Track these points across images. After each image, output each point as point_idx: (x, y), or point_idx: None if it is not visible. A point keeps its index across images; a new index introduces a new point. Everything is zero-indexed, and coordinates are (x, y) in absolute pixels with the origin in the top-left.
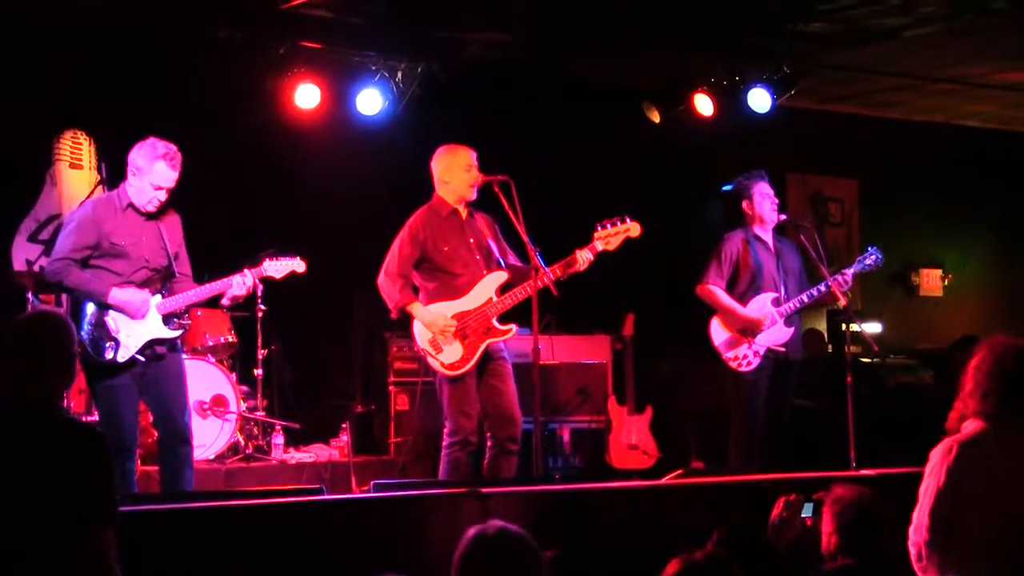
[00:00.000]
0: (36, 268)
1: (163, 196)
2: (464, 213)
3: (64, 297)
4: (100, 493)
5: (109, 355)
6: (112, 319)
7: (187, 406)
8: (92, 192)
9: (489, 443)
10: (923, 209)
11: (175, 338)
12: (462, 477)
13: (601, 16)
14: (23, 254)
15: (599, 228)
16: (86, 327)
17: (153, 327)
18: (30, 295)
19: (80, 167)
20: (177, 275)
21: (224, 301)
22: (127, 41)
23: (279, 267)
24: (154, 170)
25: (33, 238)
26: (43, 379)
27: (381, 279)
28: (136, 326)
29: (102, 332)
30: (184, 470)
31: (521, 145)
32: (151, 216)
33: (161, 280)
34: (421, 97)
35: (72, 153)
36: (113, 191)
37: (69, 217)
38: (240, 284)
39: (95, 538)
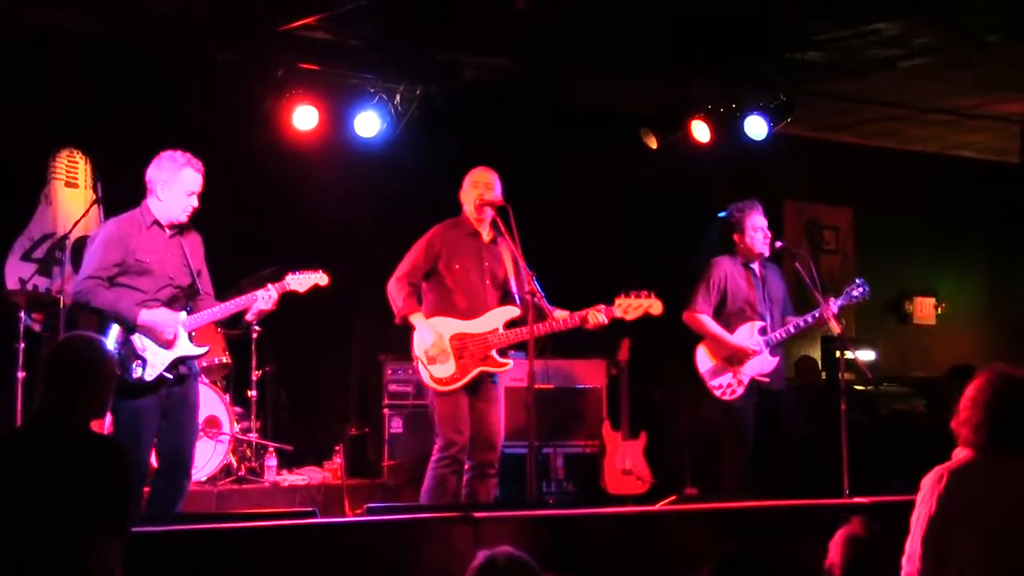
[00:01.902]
0: (30, 287)
1: (195, 202)
2: (487, 237)
3: (62, 317)
4: (112, 504)
5: (136, 374)
6: (138, 338)
7: (195, 440)
8: (88, 211)
9: (467, 465)
10: (917, 237)
11: (200, 356)
12: (448, 497)
13: (600, 42)
14: (16, 272)
15: (622, 295)
16: (112, 346)
17: (181, 345)
18: (23, 314)
19: (76, 186)
20: (201, 293)
21: (249, 316)
22: (126, 62)
23: (302, 281)
24: (182, 178)
25: (27, 257)
26: (68, 397)
27: (390, 282)
28: (162, 348)
29: (128, 351)
30: (178, 502)
31: (518, 169)
32: (174, 234)
33: (185, 298)
34: (419, 120)
35: (68, 172)
36: (135, 209)
37: (92, 236)
38: (265, 299)
39: (102, 549)
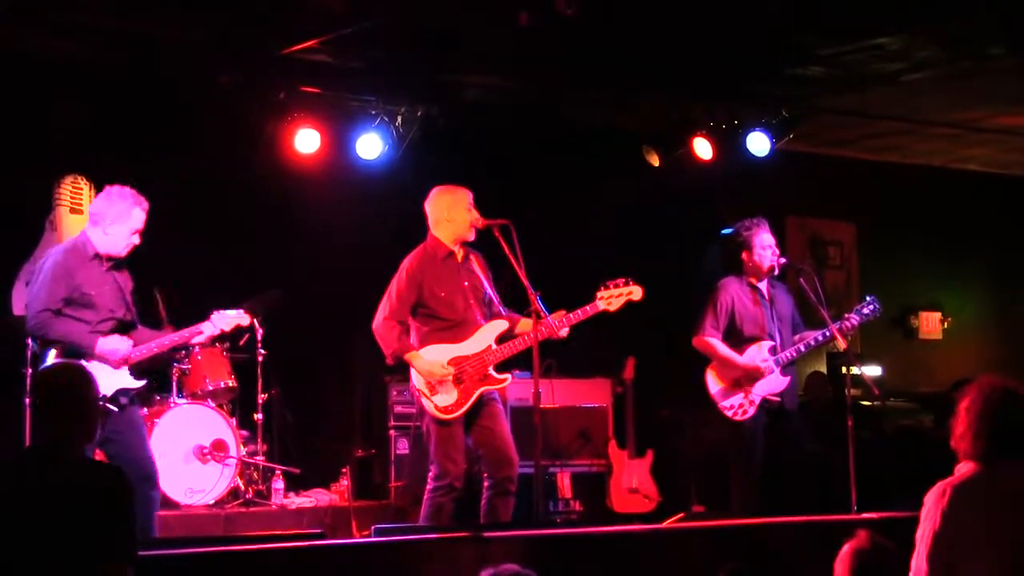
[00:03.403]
0: None
1: (138, 240)
2: (460, 255)
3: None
4: (117, 531)
5: None
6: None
7: (152, 452)
8: None
9: (486, 484)
10: (922, 252)
11: (139, 388)
12: (444, 523)
13: (601, 61)
14: (23, 299)
15: (602, 287)
16: None
17: (121, 378)
18: (30, 340)
19: (80, 212)
20: (137, 326)
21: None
22: (128, 86)
23: (228, 320)
24: (133, 216)
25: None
26: (62, 425)
27: (378, 324)
28: (104, 378)
29: None
30: (152, 515)
31: (521, 189)
32: (110, 268)
33: (122, 330)
34: (421, 141)
35: (72, 198)
36: (77, 239)
37: (40, 266)
38: (199, 340)
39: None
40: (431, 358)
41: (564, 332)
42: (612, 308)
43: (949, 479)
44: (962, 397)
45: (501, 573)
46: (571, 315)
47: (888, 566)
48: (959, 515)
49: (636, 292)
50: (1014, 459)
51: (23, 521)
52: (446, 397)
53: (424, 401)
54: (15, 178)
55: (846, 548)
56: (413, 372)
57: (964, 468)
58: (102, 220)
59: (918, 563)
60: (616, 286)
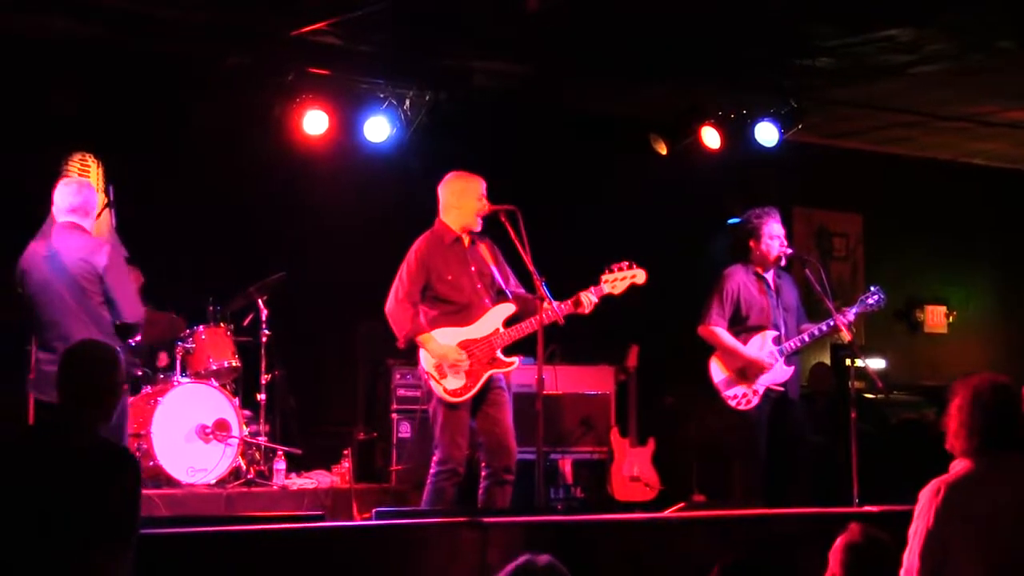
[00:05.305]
0: None
1: None
2: (467, 241)
3: None
4: (119, 513)
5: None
6: None
7: None
8: (99, 214)
9: (484, 472)
10: (928, 245)
11: None
12: (445, 506)
13: (609, 49)
14: None
15: (606, 271)
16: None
17: None
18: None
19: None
20: None
21: None
22: (137, 68)
23: None
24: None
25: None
26: (81, 403)
27: (391, 307)
28: None
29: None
30: None
31: (527, 175)
32: None
33: None
34: (428, 125)
35: (80, 175)
36: (86, 231)
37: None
38: None
39: (109, 557)
40: (444, 342)
41: (589, 307)
42: (617, 291)
43: (944, 477)
44: (953, 396)
45: (536, 560)
46: (574, 301)
47: (881, 559)
48: (953, 513)
49: (640, 275)
50: (1007, 451)
51: (21, 496)
52: (455, 380)
53: (433, 384)
54: (24, 155)
55: (839, 541)
56: (423, 355)
57: (959, 466)
58: (92, 210)
59: (910, 560)
60: (620, 269)
